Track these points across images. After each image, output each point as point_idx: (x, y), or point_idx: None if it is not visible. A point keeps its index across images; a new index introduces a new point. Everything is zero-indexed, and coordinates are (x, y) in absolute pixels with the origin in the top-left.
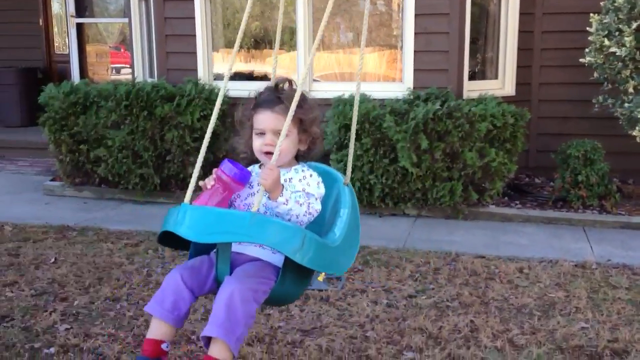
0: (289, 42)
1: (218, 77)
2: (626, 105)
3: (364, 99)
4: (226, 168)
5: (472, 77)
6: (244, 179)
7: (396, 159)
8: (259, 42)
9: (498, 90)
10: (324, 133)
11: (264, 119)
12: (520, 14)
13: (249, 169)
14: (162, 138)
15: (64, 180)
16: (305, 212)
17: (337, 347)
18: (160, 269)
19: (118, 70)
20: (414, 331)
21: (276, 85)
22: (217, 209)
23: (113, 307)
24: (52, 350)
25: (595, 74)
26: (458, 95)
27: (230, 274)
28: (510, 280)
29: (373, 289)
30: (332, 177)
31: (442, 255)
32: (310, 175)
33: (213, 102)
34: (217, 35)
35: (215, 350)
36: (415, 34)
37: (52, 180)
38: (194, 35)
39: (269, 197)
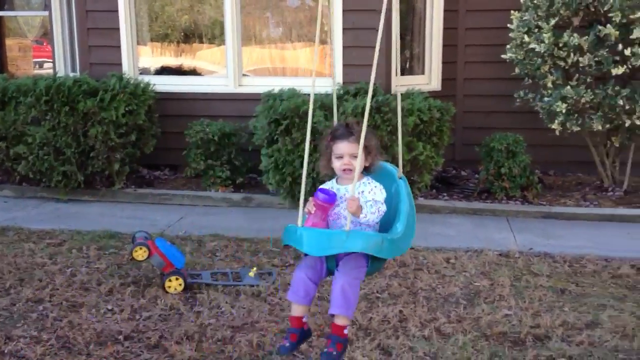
0: (220, 37)
1: (144, 71)
2: (545, 99)
3: (294, 94)
4: (319, 197)
5: (400, 72)
6: (332, 201)
7: None
8: (188, 36)
9: (425, 85)
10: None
11: (342, 147)
12: (445, 11)
13: (329, 183)
14: (85, 134)
15: None
16: (378, 216)
17: (268, 342)
18: (85, 268)
19: (41, 65)
20: None
21: (346, 124)
22: (325, 231)
23: (35, 309)
24: None
25: (517, 70)
26: (387, 90)
27: (336, 264)
28: (437, 271)
29: None
30: (389, 172)
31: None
32: (375, 186)
33: (138, 97)
34: (142, 29)
35: (339, 321)
36: (344, 29)
37: None
38: (118, 29)
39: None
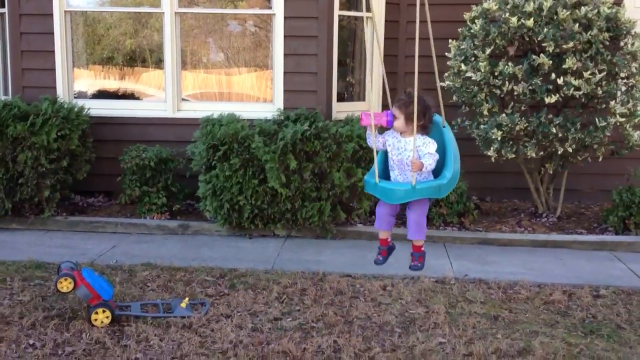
0: (160, 61)
1: (80, 95)
2: (482, 127)
3: (234, 119)
4: (382, 115)
5: (341, 98)
6: (384, 123)
7: (265, 179)
8: (128, 60)
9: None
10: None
11: (394, 109)
12: (385, 38)
13: (395, 134)
14: (14, 160)
15: None
16: (433, 163)
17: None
18: (8, 300)
19: None
20: (277, 355)
21: (405, 92)
22: (399, 185)
23: None
24: None
25: (454, 97)
26: (327, 116)
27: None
28: (374, 298)
29: (238, 313)
30: (435, 121)
31: (309, 275)
32: (429, 141)
33: (72, 122)
34: (81, 52)
35: (417, 242)
36: (285, 55)
37: None
38: (53, 52)
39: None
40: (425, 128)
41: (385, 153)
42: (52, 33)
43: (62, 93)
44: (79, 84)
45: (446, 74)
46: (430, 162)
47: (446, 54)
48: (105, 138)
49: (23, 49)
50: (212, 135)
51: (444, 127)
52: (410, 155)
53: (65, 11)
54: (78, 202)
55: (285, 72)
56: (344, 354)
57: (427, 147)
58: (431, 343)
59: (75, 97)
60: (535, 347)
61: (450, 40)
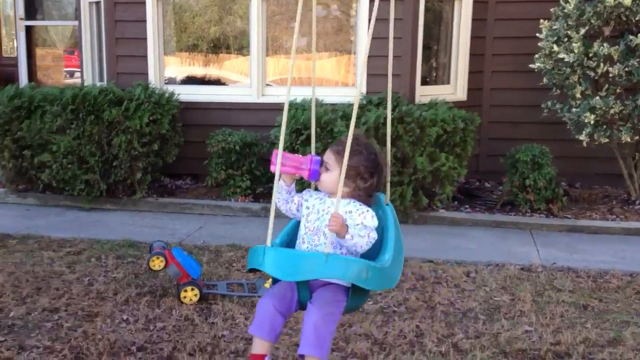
0: (247, 47)
1: (170, 81)
2: (574, 110)
3: (317, 103)
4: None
5: (425, 82)
6: (313, 165)
7: None
8: (215, 47)
9: (450, 95)
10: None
11: (325, 154)
12: (473, 19)
13: (319, 193)
14: (109, 143)
15: (7, 186)
16: (367, 242)
17: (280, 355)
18: (103, 277)
19: (72, 74)
20: (359, 337)
21: (354, 137)
22: (299, 252)
23: (50, 318)
24: None
25: (545, 80)
26: (410, 100)
27: (310, 295)
28: (457, 284)
29: None
30: (376, 197)
31: None
32: (367, 211)
33: (162, 107)
34: (170, 39)
35: None
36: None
37: None
38: (145, 39)
39: (337, 236)
40: (370, 197)
41: (298, 222)
42: (145, 21)
43: (153, 79)
44: (168, 70)
45: (536, 56)
46: (361, 235)
47: (537, 34)
48: (193, 123)
49: (117, 36)
50: (296, 119)
51: (387, 205)
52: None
53: None
54: (167, 185)
55: (368, 56)
56: (426, 339)
57: (362, 217)
58: (517, 331)
59: (165, 83)
60: (627, 337)
61: (541, 21)
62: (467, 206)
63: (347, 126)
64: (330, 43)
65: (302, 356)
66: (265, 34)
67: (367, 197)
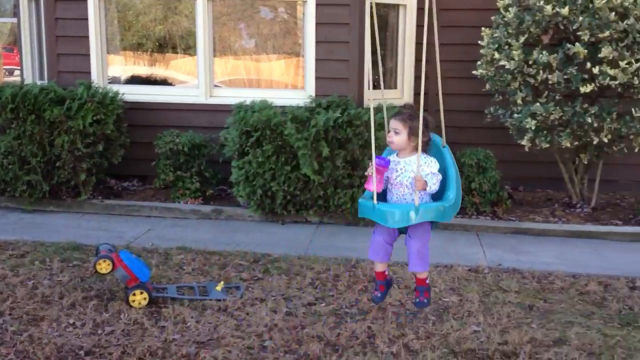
0: (193, 47)
1: (114, 80)
2: (515, 115)
3: (266, 105)
4: (376, 162)
5: (373, 86)
6: (386, 165)
7: (298, 166)
8: (161, 46)
9: (397, 99)
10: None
11: (391, 122)
12: (417, 26)
13: (391, 156)
14: (51, 143)
15: None
16: (436, 184)
17: (233, 359)
18: (48, 280)
19: (11, 72)
20: (312, 339)
21: (404, 106)
22: (401, 206)
23: None
24: None
25: (487, 86)
26: (359, 103)
27: (405, 228)
28: (407, 286)
29: (273, 298)
30: (435, 142)
31: (342, 262)
32: (431, 160)
33: (106, 106)
34: (114, 37)
35: (420, 275)
36: (317, 42)
37: None
38: (87, 37)
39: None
40: (427, 145)
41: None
42: (87, 19)
43: (96, 78)
44: (112, 69)
45: (479, 62)
46: (434, 182)
47: (479, 42)
48: (139, 123)
49: (58, 34)
50: (245, 121)
51: (444, 147)
52: (410, 176)
53: None
54: (113, 186)
55: (316, 59)
56: (378, 339)
57: (429, 167)
58: (465, 331)
59: (109, 82)
60: (571, 337)
61: (483, 29)
62: None
63: (297, 129)
64: (279, 45)
65: (414, 272)
66: (212, 35)
67: (426, 145)
